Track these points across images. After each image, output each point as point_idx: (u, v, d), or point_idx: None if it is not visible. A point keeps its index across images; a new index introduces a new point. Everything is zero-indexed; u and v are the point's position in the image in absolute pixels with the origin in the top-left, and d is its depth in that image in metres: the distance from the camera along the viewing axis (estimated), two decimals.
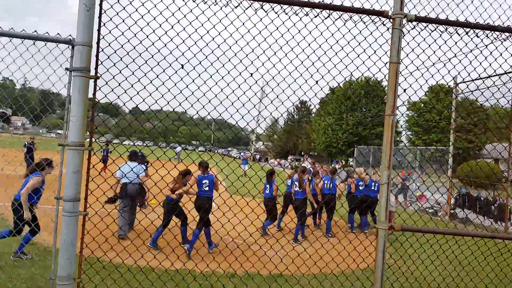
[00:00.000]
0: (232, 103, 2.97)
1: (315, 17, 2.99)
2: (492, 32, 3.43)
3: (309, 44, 2.96)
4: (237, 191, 3.54)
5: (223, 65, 2.95)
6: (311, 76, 3.04)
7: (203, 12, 2.87)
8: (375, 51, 3.09)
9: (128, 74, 2.70)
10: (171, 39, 2.76)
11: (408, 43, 3.17)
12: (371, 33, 3.10)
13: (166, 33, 2.76)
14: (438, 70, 3.22)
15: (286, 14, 2.96)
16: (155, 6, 2.72)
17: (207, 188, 7.55)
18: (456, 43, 3.29)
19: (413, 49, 3.17)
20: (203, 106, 2.94)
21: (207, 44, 2.87)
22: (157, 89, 2.72)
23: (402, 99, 3.28)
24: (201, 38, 2.82)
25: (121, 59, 2.71)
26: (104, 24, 2.71)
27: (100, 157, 18.86)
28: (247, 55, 3.03)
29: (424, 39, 3.26)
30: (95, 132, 2.90)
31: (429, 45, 3.19)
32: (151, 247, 7.18)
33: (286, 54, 2.99)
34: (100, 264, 3.63)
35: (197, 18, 2.83)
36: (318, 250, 3.91)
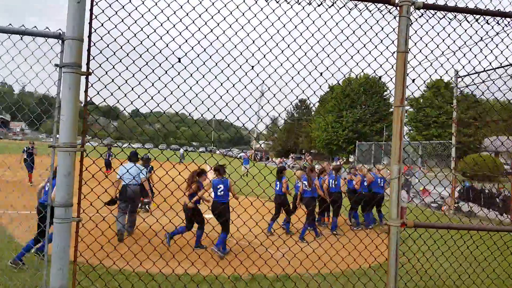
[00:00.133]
0: (233, 98, 2.81)
1: (318, 6, 2.83)
2: (503, 18, 3.28)
3: (312, 35, 2.80)
4: (240, 190, 3.38)
5: (223, 58, 2.80)
6: (316, 67, 2.88)
7: (200, 3, 2.72)
8: (381, 41, 2.94)
9: (122, 70, 2.54)
10: (167, 31, 2.60)
11: (416, 31, 3.01)
12: (377, 21, 2.95)
13: (161, 25, 2.60)
14: (448, 59, 3.06)
15: (288, 3, 2.81)
16: None
17: (222, 193, 7.48)
18: (465, 30, 3.14)
19: (421, 38, 3.01)
20: (202, 102, 2.78)
21: (205, 36, 2.71)
22: (152, 84, 2.56)
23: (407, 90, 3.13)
24: (199, 30, 2.67)
25: (114, 54, 2.56)
26: (96, 17, 2.55)
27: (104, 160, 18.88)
28: (247, 47, 2.88)
29: (433, 27, 3.11)
30: (87, 131, 2.73)
31: (438, 33, 3.04)
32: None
33: (288, 45, 2.83)
34: (96, 274, 3.43)
35: (194, 8, 2.67)
36: (327, 250, 3.75)
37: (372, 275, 4.19)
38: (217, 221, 7.41)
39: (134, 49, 2.57)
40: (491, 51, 3.47)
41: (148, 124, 3.41)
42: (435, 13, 3.10)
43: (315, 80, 2.90)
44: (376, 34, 2.91)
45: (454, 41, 3.04)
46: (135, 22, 2.57)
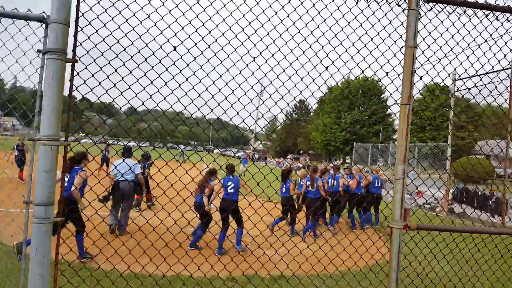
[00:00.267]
0: (232, 91, 2.63)
1: None
2: None
3: (317, 26, 2.63)
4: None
5: (219, 51, 2.62)
6: (321, 61, 2.70)
7: None
8: (389, 35, 2.78)
9: (112, 57, 2.36)
10: (162, 18, 2.41)
11: (424, 26, 2.85)
12: (385, 14, 2.78)
13: (156, 10, 2.42)
14: (457, 56, 2.90)
15: None
16: None
17: (232, 191, 7.52)
18: (475, 26, 2.99)
19: (430, 33, 2.85)
20: (199, 95, 2.61)
21: (203, 24, 2.53)
22: (145, 74, 2.38)
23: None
24: (197, 16, 2.48)
25: (103, 40, 2.37)
26: (84, 0, 2.36)
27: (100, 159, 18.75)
28: (242, 42, 2.70)
29: (442, 22, 2.96)
30: (78, 125, 2.55)
31: (447, 29, 2.88)
32: (191, 248, 7.17)
33: (292, 37, 2.66)
34: (79, 278, 3.20)
35: None
36: (327, 252, 3.59)
37: (373, 278, 4.03)
38: (230, 219, 7.49)
39: (126, 35, 2.38)
40: (500, 49, 3.32)
41: (144, 122, 3.24)
42: (445, 7, 2.95)
43: (321, 74, 2.73)
44: (384, 27, 2.75)
45: (463, 38, 2.88)
46: (127, 6, 2.38)
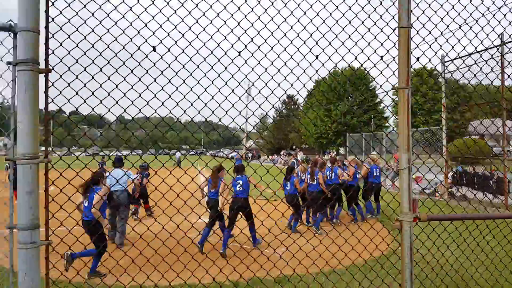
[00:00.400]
0: (218, 89, 2.48)
1: None
2: None
3: (304, 13, 2.47)
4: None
5: (202, 44, 2.45)
6: (310, 50, 2.55)
7: None
8: (381, 16, 2.63)
9: (88, 63, 2.18)
10: (138, 16, 2.24)
11: (417, 4, 2.71)
12: None
13: (131, 9, 2.25)
14: (453, 33, 2.76)
15: None
16: None
17: (241, 189, 7.71)
18: (470, 1, 2.86)
19: (423, 11, 2.71)
20: (184, 97, 2.44)
21: (182, 20, 2.36)
22: (124, 79, 2.21)
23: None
24: (175, 12, 2.32)
25: (77, 46, 2.19)
26: (53, 3, 2.19)
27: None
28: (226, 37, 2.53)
29: None
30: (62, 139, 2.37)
31: (441, 5, 2.74)
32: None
33: (278, 26, 2.50)
34: None
35: None
36: (328, 246, 3.45)
37: (379, 270, 3.86)
38: (241, 216, 7.69)
39: (101, 38, 2.21)
40: (493, 29, 3.20)
41: (135, 130, 3.08)
42: None
43: (311, 64, 2.57)
44: (375, 9, 2.60)
45: (459, 13, 2.74)
46: (100, 7, 2.21)
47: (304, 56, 2.53)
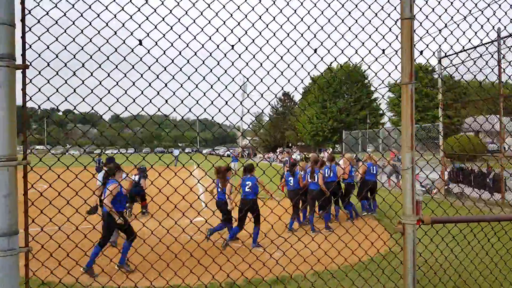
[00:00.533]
0: (211, 85, 2.33)
1: None
2: None
3: (301, 4, 2.32)
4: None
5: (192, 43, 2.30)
6: (308, 43, 2.40)
7: None
8: (382, 7, 2.49)
9: (69, 58, 2.03)
10: (122, 8, 2.08)
11: None
12: None
13: (114, 0, 2.09)
14: (458, 25, 2.63)
15: None
16: None
17: (249, 190, 7.73)
18: None
19: (426, 2, 2.58)
20: (174, 94, 2.29)
21: (170, 11, 2.20)
22: (108, 75, 2.06)
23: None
24: (162, 3, 2.16)
25: (56, 40, 2.03)
26: None
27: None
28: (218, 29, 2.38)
29: None
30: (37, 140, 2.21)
31: None
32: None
33: (274, 18, 2.35)
34: None
35: None
36: (327, 244, 3.32)
37: (375, 270, 3.71)
38: (247, 217, 7.74)
39: (82, 31, 2.05)
40: (500, 19, 3.06)
41: (129, 128, 2.94)
42: None
43: (309, 58, 2.43)
44: (375, 0, 2.45)
45: (464, 4, 2.61)
46: None
47: (302, 50, 2.38)
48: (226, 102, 2.47)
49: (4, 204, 1.93)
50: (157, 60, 2.16)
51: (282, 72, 2.47)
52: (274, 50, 2.49)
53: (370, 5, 2.40)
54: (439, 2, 2.54)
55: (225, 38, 2.32)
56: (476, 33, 2.87)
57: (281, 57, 2.46)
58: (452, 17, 2.60)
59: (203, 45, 2.30)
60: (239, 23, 2.31)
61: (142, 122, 2.50)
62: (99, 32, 2.08)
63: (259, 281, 4.75)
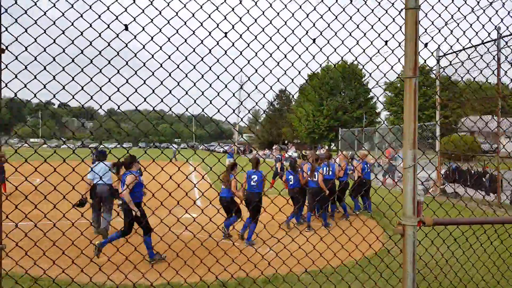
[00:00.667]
0: (210, 84, 2.18)
1: None
2: None
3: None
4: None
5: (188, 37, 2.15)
6: (307, 33, 2.26)
7: None
8: None
9: (49, 43, 1.87)
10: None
11: None
12: None
13: None
14: (465, 17, 2.50)
15: None
16: None
17: (255, 184, 7.78)
18: None
19: None
20: (170, 92, 2.14)
21: (169, 5, 2.05)
22: (91, 61, 1.90)
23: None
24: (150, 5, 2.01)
25: (35, 22, 1.88)
26: None
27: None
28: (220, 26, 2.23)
29: None
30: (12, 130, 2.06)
31: None
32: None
33: (271, 5, 2.20)
34: None
35: None
36: (323, 244, 3.21)
37: (372, 273, 3.58)
38: (248, 210, 7.69)
39: (63, 14, 1.89)
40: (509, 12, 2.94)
41: (125, 123, 2.80)
42: None
43: (307, 48, 2.29)
44: None
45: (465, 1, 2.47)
46: None
47: (300, 40, 2.24)
48: (226, 102, 2.35)
49: None
50: (152, 57, 2.02)
51: (278, 63, 2.33)
52: (270, 38, 2.35)
53: None
54: None
55: (225, 34, 2.18)
56: (477, 33, 2.75)
57: (277, 47, 2.32)
58: (459, 8, 2.46)
59: (202, 41, 2.16)
60: (240, 19, 2.17)
61: (139, 117, 2.38)
62: (81, 15, 1.93)
63: (250, 283, 4.62)
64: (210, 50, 2.27)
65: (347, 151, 12.09)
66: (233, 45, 2.31)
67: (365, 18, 2.27)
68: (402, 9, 2.26)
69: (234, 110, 2.66)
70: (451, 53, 10.18)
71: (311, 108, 54.29)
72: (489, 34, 3.13)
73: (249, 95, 2.54)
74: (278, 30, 2.23)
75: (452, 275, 3.13)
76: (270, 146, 59.56)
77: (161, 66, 2.13)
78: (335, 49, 2.25)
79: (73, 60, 1.90)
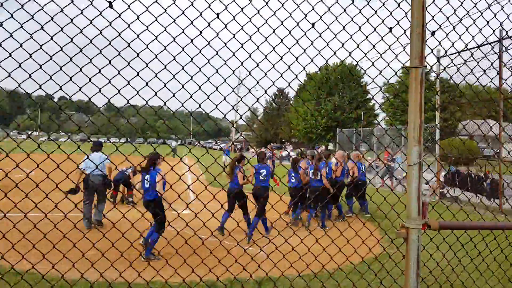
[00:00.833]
0: (208, 78, 2.08)
1: None
2: None
3: None
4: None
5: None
6: (312, 25, 2.15)
7: None
8: None
9: (37, 28, 1.76)
10: None
11: None
12: None
13: None
14: (461, 20, 2.38)
15: None
16: None
17: (264, 178, 7.77)
18: None
19: None
20: (165, 86, 2.04)
21: None
22: (81, 50, 1.79)
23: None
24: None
25: (22, 7, 1.77)
26: None
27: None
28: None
29: None
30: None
31: None
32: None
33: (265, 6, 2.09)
34: None
35: None
36: (321, 247, 3.09)
37: (374, 279, 3.48)
38: (255, 204, 7.74)
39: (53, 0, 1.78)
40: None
41: (123, 118, 2.72)
42: None
43: (313, 43, 2.18)
44: None
45: None
46: None
47: (305, 33, 2.13)
48: (224, 98, 2.25)
49: None
50: (147, 47, 1.91)
51: (282, 57, 2.22)
52: (274, 31, 2.25)
53: None
54: None
55: (225, 25, 2.08)
56: (479, 32, 2.65)
57: (282, 40, 2.22)
58: (461, 3, 2.36)
59: (201, 32, 2.05)
60: (242, 9, 2.06)
61: (136, 112, 2.28)
62: (72, 1, 1.82)
63: (239, 286, 4.51)
64: (208, 42, 2.16)
65: (343, 151, 12.03)
66: (233, 37, 2.21)
67: (368, 3, 2.16)
68: None
69: (233, 107, 2.56)
70: (452, 53, 10.10)
71: (309, 108, 54.24)
72: (493, 31, 3.04)
73: (249, 90, 2.43)
74: (282, 22, 2.12)
75: (459, 284, 3.00)
76: (266, 144, 59.56)
77: (156, 57, 2.02)
78: (335, 35, 2.14)
79: (61, 49, 1.79)
